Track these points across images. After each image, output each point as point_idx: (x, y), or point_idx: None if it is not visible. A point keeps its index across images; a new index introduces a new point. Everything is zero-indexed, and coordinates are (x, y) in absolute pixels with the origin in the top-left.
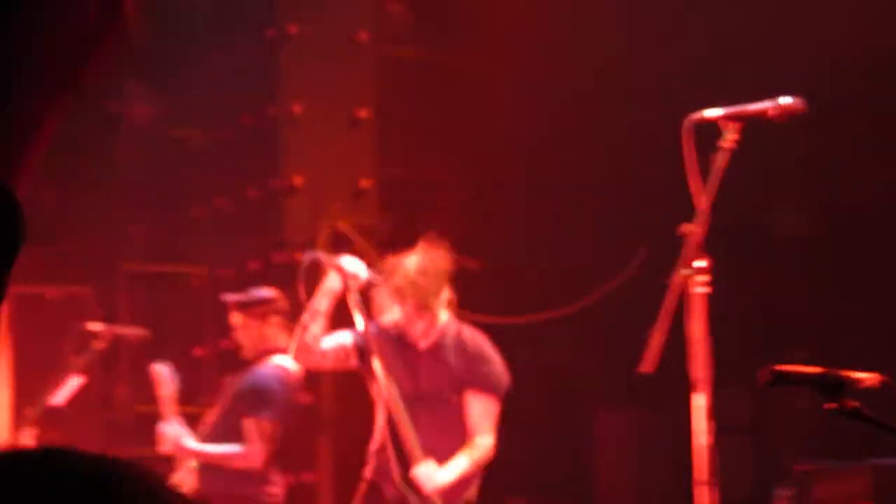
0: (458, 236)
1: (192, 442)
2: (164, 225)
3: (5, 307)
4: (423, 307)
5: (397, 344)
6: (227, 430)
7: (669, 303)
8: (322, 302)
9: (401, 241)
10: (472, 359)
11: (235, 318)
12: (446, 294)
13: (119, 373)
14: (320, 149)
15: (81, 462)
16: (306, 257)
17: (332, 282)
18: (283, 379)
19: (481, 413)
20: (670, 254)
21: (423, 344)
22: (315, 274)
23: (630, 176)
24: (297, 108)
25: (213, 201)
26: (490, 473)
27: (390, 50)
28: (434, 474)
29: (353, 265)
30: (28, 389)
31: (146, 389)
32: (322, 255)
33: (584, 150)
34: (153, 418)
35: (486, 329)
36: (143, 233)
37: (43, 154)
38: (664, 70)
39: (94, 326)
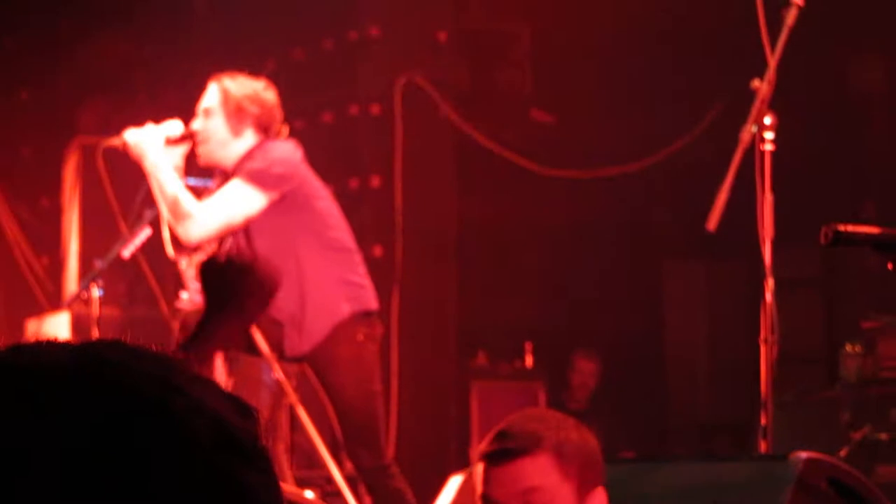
0: (534, 90)
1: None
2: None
3: (75, 157)
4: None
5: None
6: None
7: (736, 159)
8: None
9: (479, 95)
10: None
11: None
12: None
13: None
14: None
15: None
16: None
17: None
18: None
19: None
20: (744, 110)
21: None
22: None
23: (704, 35)
24: None
25: (290, 53)
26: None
27: None
28: None
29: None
30: (97, 241)
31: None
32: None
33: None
34: None
35: (561, 183)
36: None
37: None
38: None
39: None
